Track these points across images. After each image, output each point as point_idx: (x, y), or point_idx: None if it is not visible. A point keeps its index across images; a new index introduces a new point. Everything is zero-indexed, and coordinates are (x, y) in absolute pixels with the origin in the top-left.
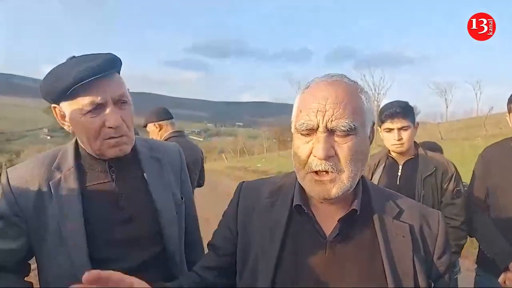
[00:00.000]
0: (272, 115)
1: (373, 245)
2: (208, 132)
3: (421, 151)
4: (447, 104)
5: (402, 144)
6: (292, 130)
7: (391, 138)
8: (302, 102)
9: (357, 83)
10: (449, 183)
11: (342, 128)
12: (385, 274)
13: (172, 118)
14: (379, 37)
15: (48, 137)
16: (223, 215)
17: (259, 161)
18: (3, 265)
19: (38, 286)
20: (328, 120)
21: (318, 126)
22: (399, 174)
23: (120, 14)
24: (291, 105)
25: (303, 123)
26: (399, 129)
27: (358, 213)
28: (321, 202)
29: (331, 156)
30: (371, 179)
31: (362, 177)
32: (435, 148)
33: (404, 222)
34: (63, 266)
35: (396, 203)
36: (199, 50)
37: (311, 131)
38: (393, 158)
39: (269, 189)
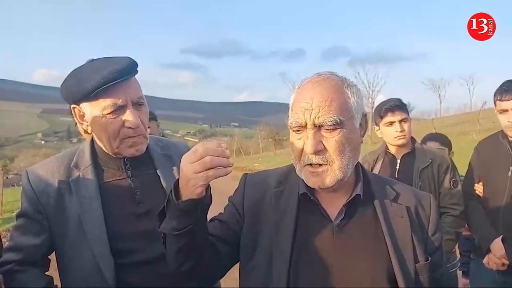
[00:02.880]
0: (267, 115)
1: (376, 226)
2: (203, 133)
3: (417, 145)
4: (440, 100)
5: (404, 135)
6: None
7: (393, 131)
8: (293, 101)
9: (344, 78)
10: (445, 174)
11: (328, 123)
12: (388, 252)
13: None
14: (372, 35)
15: (42, 142)
16: (229, 200)
17: (256, 160)
18: (26, 260)
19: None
20: (315, 117)
21: (307, 123)
22: (397, 168)
23: (114, 16)
24: (286, 104)
25: (293, 121)
26: (400, 121)
27: (361, 197)
28: (325, 189)
29: (320, 150)
30: None
31: (361, 165)
32: (444, 140)
33: (401, 204)
34: (86, 257)
35: (393, 188)
36: (193, 51)
37: (301, 128)
38: (391, 153)
39: (276, 179)
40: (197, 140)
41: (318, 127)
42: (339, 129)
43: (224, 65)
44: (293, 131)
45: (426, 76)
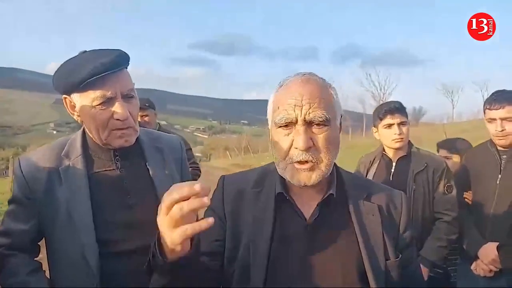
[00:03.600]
0: None
1: (348, 224)
2: (213, 129)
3: (414, 148)
4: (453, 105)
5: (402, 138)
6: (270, 126)
7: (391, 134)
8: (278, 99)
9: (325, 80)
10: (440, 179)
11: (319, 119)
12: (359, 249)
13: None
14: (386, 36)
15: (54, 132)
16: (207, 208)
17: (263, 158)
18: (16, 244)
19: (46, 266)
20: (306, 113)
21: (297, 119)
22: (392, 170)
23: (125, 10)
24: None
25: (283, 117)
26: (399, 124)
27: (334, 196)
28: (301, 188)
29: (310, 146)
30: (366, 176)
31: (335, 164)
32: (453, 146)
33: (373, 203)
34: (72, 246)
35: (366, 187)
36: (204, 47)
37: (290, 125)
38: (387, 156)
39: (253, 179)
40: (206, 136)
41: (309, 124)
42: (327, 127)
43: (235, 62)
44: (280, 127)
45: (439, 80)
